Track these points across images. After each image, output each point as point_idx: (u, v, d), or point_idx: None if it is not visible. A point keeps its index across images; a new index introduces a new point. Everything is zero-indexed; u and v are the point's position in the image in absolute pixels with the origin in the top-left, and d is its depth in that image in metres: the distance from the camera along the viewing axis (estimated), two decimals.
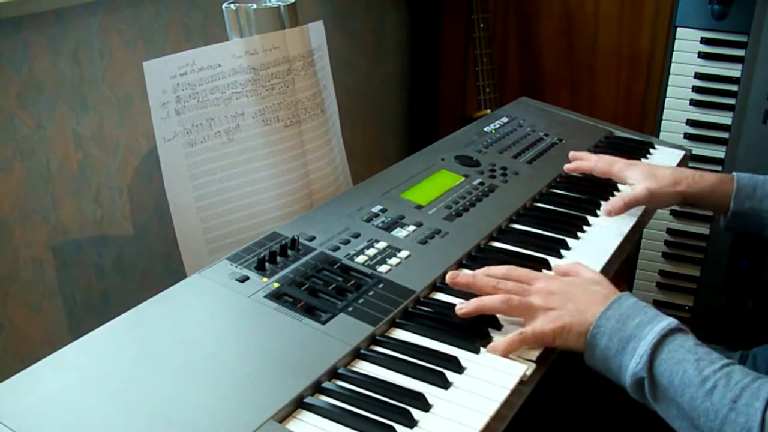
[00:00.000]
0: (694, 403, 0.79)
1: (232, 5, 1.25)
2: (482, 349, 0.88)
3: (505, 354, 0.87)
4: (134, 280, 1.55)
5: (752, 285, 1.92)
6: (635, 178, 1.26)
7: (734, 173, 1.25)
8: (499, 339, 0.90)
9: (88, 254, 1.44)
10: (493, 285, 0.94)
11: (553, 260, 1.09)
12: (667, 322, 0.85)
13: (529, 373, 0.85)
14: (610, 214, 1.23)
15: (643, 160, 1.51)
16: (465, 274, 0.97)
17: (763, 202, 1.21)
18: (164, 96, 1.16)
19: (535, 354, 0.88)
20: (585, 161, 1.37)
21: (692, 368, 0.80)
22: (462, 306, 0.92)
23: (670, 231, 2.04)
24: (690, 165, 1.87)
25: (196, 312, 0.91)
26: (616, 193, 1.36)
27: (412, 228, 1.13)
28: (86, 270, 1.44)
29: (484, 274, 0.96)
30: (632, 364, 0.83)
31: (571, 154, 1.40)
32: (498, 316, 0.93)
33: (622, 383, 0.86)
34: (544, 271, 1.05)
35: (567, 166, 1.38)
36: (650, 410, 0.86)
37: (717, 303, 1.97)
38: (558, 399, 1.14)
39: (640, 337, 0.84)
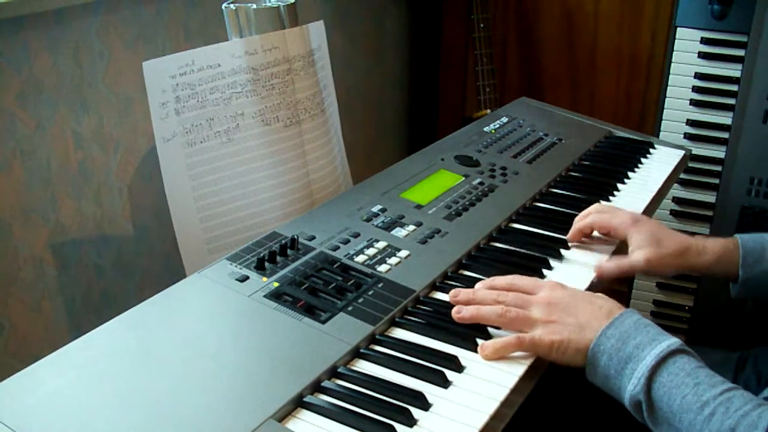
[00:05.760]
0: (692, 429, 0.77)
1: (232, 5, 1.25)
2: None
3: (496, 356, 0.86)
4: (134, 280, 1.55)
5: None
6: (638, 241, 1.09)
7: (737, 236, 1.12)
8: (499, 337, 0.90)
9: (88, 254, 1.44)
10: (493, 298, 0.92)
11: (552, 260, 1.09)
12: (668, 343, 0.83)
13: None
14: (601, 276, 1.08)
15: (642, 160, 1.51)
16: (465, 292, 0.95)
17: None
18: (164, 96, 1.16)
19: (527, 362, 0.87)
20: (580, 221, 1.16)
21: (691, 393, 0.78)
22: (459, 310, 0.92)
23: None
24: (690, 165, 1.88)
25: (196, 311, 0.91)
26: (616, 193, 1.36)
27: (411, 228, 1.13)
28: (86, 270, 1.44)
29: (486, 287, 0.95)
30: (630, 387, 0.82)
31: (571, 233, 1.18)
32: None
33: (622, 403, 0.84)
34: (547, 275, 1.05)
35: (569, 237, 1.17)
36: None
37: (717, 303, 1.97)
38: (558, 399, 1.14)
39: (639, 358, 0.82)
